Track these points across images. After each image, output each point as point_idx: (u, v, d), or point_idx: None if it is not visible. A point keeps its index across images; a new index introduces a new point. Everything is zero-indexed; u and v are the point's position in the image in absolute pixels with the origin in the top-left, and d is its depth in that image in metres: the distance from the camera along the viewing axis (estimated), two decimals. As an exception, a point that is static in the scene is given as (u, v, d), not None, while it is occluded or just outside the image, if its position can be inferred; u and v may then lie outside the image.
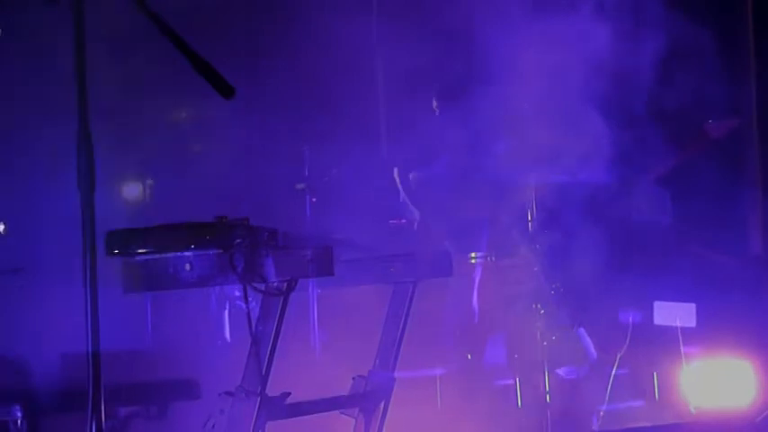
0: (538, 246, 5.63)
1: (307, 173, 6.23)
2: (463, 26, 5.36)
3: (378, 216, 5.69)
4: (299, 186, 6.24)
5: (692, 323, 5.64)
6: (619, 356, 5.77)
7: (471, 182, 5.66)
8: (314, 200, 6.23)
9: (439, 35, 5.54)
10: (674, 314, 5.74)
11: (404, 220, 5.83)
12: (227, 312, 5.73)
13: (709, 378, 5.63)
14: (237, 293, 5.18)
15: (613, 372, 5.74)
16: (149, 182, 5.86)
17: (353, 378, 4.01)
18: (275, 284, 3.33)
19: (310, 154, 6.20)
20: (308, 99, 6.13)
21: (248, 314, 3.33)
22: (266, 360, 3.33)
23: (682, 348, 5.81)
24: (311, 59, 5.82)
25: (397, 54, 5.73)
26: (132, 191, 5.81)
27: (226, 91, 3.00)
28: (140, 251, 3.27)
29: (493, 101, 5.52)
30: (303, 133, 6.26)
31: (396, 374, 4.01)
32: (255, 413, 3.32)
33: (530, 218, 5.69)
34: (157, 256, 3.31)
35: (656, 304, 5.83)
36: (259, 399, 3.32)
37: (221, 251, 3.26)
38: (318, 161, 6.24)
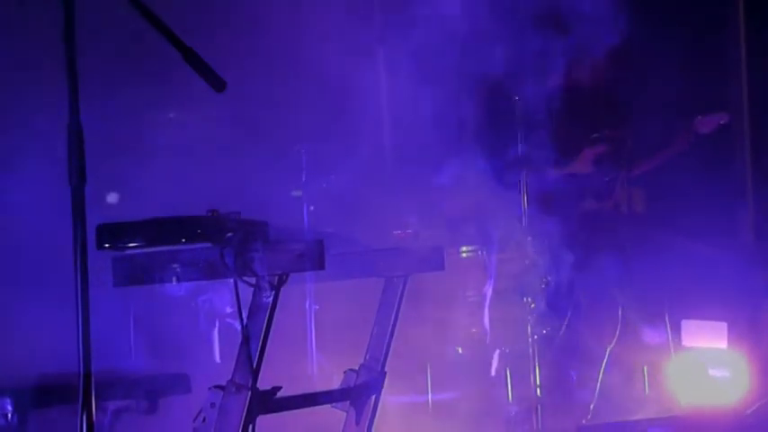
0: (530, 239, 5.64)
1: (304, 178, 5.93)
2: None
3: (381, 226, 5.52)
4: (296, 193, 5.93)
5: (723, 344, 5.55)
6: (609, 349, 5.78)
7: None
8: (312, 208, 5.91)
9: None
10: (703, 333, 5.64)
11: (409, 231, 5.61)
12: (216, 331, 5.51)
13: (700, 371, 5.63)
14: (228, 310, 5.12)
15: (603, 365, 5.74)
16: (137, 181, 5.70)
17: (344, 372, 4.02)
18: (266, 278, 3.32)
19: (308, 158, 5.90)
20: (306, 98, 5.97)
21: (239, 308, 3.33)
22: (257, 354, 3.33)
23: (670, 340, 5.82)
24: (310, 55, 5.75)
25: (400, 50, 5.64)
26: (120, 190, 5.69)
27: (217, 84, 3.00)
28: (131, 245, 3.27)
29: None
30: (300, 134, 5.99)
31: (399, 399, 4.03)
32: (246, 407, 3.32)
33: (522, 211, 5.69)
34: (148, 249, 3.31)
35: (684, 323, 5.72)
36: (250, 393, 3.32)
37: (212, 245, 3.26)
38: (316, 165, 5.97)
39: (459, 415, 5.53)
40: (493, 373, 5.67)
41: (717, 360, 5.55)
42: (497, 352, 5.68)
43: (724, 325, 5.56)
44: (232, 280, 3.28)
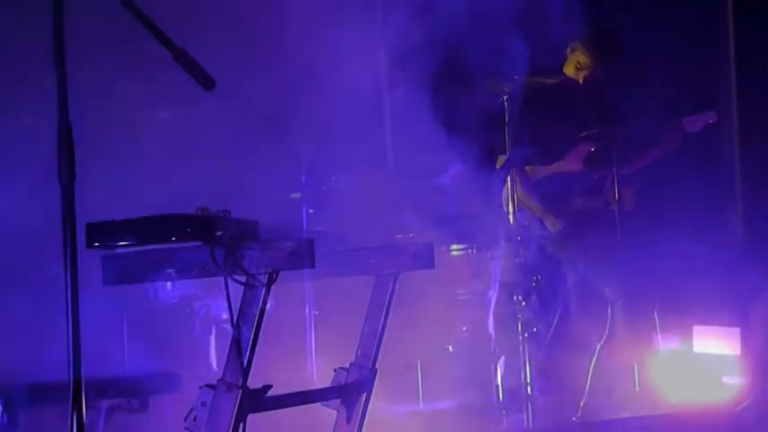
0: (519, 237, 5.64)
1: (303, 180, 5.79)
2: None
3: (383, 229, 5.47)
4: (295, 196, 5.80)
5: (737, 351, 5.54)
6: (599, 346, 5.79)
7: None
8: (311, 211, 5.77)
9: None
10: (715, 340, 5.61)
11: (411, 234, 5.52)
12: (212, 337, 5.38)
13: (691, 369, 5.64)
14: (225, 316, 5.09)
15: (593, 361, 5.76)
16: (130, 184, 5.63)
17: (335, 370, 4.02)
18: (257, 277, 3.32)
19: (307, 159, 5.77)
20: (304, 97, 5.92)
21: (230, 306, 3.33)
22: (247, 353, 3.33)
23: (660, 338, 5.84)
24: (309, 53, 5.71)
25: (401, 47, 5.61)
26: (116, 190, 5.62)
27: (206, 83, 3.00)
28: (120, 243, 3.27)
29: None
30: (298, 135, 5.83)
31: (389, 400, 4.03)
32: (237, 405, 3.32)
33: (511, 210, 5.69)
34: (138, 248, 3.31)
35: (696, 329, 5.69)
36: (240, 391, 3.32)
37: (202, 243, 3.26)
38: (315, 166, 5.84)
39: (451, 414, 5.53)
40: (498, 380, 5.67)
41: (730, 367, 5.54)
42: (502, 359, 5.67)
43: (737, 331, 5.55)
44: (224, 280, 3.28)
